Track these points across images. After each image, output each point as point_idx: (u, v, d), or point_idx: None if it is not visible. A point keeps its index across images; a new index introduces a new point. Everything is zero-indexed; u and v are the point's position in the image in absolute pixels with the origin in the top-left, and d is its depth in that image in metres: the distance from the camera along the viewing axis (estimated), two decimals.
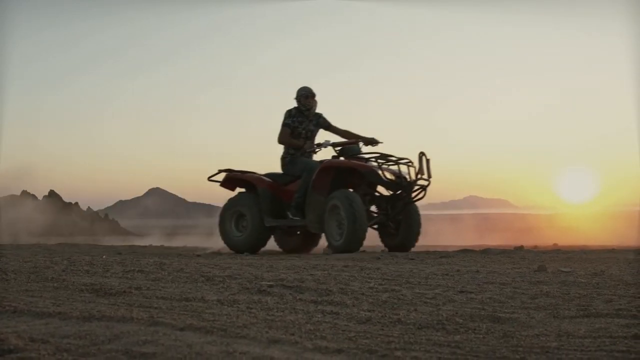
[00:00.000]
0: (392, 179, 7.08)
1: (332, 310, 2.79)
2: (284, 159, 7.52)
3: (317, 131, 7.62)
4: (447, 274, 4.42)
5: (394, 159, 7.15)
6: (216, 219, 7.90)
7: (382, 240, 7.63)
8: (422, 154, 7.14)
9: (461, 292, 3.48)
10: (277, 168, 7.52)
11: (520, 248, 8.92)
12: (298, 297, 3.15)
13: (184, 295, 3.11)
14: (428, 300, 3.16)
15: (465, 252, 7.47)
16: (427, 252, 7.05)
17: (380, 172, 6.99)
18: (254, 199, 7.53)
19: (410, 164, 7.20)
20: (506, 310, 2.91)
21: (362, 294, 3.31)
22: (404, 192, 7.20)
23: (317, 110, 7.55)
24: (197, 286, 3.52)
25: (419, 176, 7.16)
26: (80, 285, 3.47)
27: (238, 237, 7.64)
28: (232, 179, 7.78)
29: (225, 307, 2.85)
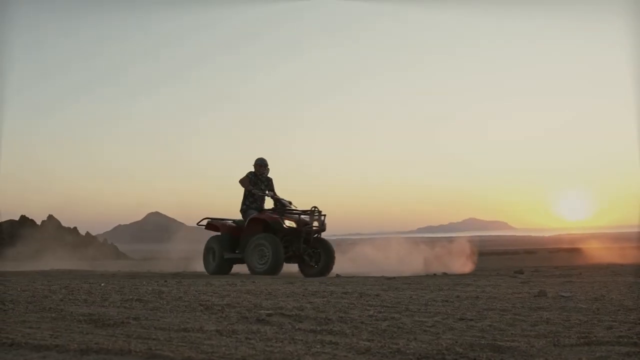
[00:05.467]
0: (293, 226, 9.42)
1: (331, 340, 2.77)
2: (241, 209, 10.03)
3: (267, 189, 10.19)
4: (446, 300, 4.40)
5: (299, 211, 9.68)
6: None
7: (301, 270, 9.94)
8: (313, 208, 9.64)
9: (461, 319, 3.46)
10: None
11: (520, 272, 8.90)
12: (297, 327, 3.13)
13: (182, 326, 3.09)
14: (428, 329, 3.14)
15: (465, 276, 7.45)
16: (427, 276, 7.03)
17: (282, 222, 9.33)
18: (219, 239, 10.16)
19: (309, 213, 9.56)
20: (506, 339, 2.89)
21: (362, 322, 3.29)
22: (303, 234, 9.55)
23: (270, 174, 10.15)
24: (196, 315, 3.50)
25: (312, 224, 9.58)
26: (78, 315, 3.45)
27: (212, 266, 10.10)
28: (210, 224, 10.53)
29: (224, 337, 2.83)
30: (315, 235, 9.77)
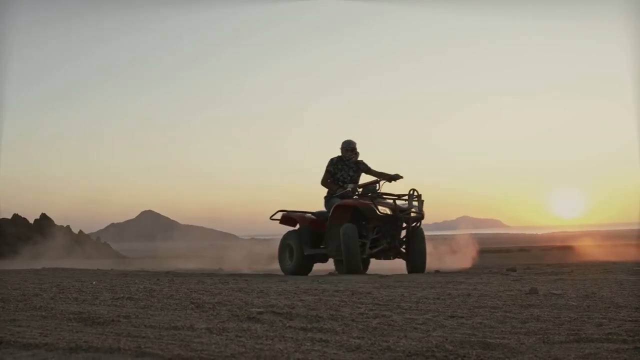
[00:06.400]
0: (387, 213, 8.16)
1: (321, 338, 2.77)
2: (324, 198, 8.87)
3: (358, 175, 8.93)
4: (438, 298, 4.41)
5: (395, 195, 8.38)
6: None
7: (406, 266, 8.64)
8: (412, 191, 8.37)
9: (452, 317, 3.47)
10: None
11: (513, 269, 8.92)
12: (288, 324, 3.13)
13: (172, 324, 3.09)
14: (418, 326, 3.15)
15: (458, 273, 7.47)
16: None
17: (375, 207, 8.09)
18: (298, 233, 8.97)
19: (407, 198, 8.33)
20: (496, 336, 2.90)
21: (352, 320, 3.30)
22: (400, 222, 8.27)
23: (359, 158, 8.90)
24: (187, 314, 3.49)
25: (411, 210, 8.27)
26: (68, 313, 3.44)
27: (289, 265, 8.99)
28: (286, 217, 9.25)
29: (214, 335, 2.83)
30: (414, 223, 8.33)
